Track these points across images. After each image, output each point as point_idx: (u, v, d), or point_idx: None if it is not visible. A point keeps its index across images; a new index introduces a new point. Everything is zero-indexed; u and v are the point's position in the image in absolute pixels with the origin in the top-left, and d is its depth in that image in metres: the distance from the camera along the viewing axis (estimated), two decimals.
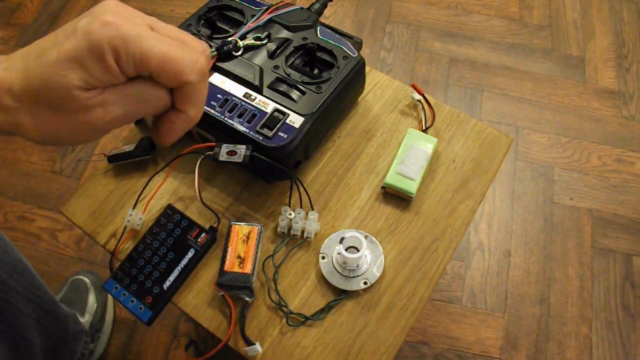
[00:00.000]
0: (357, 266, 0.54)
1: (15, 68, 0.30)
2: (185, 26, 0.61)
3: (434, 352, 1.00)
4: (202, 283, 0.55)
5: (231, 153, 0.52)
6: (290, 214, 0.56)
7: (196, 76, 0.32)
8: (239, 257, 0.54)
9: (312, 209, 0.58)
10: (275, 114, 0.54)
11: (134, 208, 0.58)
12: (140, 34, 0.30)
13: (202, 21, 0.62)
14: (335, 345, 0.52)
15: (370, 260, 0.55)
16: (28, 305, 0.69)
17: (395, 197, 0.60)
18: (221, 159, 0.52)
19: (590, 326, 1.03)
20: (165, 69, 0.31)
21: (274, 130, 0.53)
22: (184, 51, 0.31)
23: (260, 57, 0.59)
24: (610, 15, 1.48)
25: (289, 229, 0.56)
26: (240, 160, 0.52)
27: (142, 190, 0.59)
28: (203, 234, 0.56)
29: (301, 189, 0.57)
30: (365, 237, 0.55)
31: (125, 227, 0.58)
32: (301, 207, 0.57)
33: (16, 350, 0.68)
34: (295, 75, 0.57)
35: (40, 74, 0.30)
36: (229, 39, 0.59)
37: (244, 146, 0.53)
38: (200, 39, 0.60)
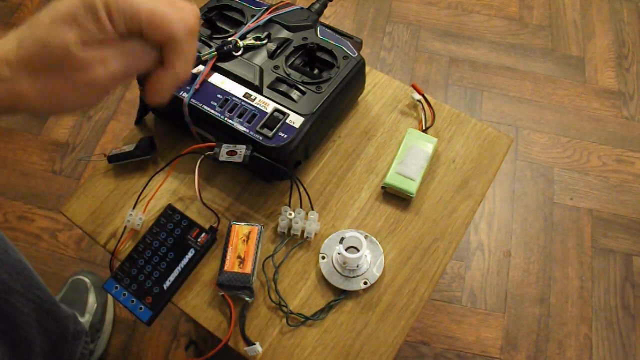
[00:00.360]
0: (357, 266, 0.54)
1: (8, 40, 0.31)
2: None
3: (434, 352, 1.00)
4: (202, 283, 0.55)
5: (231, 153, 0.52)
6: (290, 214, 0.56)
7: (183, 32, 0.33)
8: (239, 257, 0.54)
9: (312, 209, 0.58)
10: (275, 114, 0.54)
11: (134, 208, 0.58)
12: None
13: (202, 21, 0.62)
14: (335, 345, 0.52)
15: (370, 260, 0.55)
16: (28, 305, 0.69)
17: (395, 197, 0.60)
18: (221, 159, 0.52)
19: (590, 326, 1.03)
20: (153, 23, 0.32)
21: (274, 130, 0.53)
22: (172, 8, 0.33)
23: (260, 57, 0.59)
24: (610, 15, 1.48)
25: (289, 229, 0.56)
26: (240, 160, 0.52)
27: (142, 190, 0.59)
28: (203, 234, 0.56)
29: (301, 189, 0.57)
30: (365, 237, 0.55)
31: (125, 227, 0.58)
32: (301, 207, 0.57)
33: (16, 350, 0.68)
34: (295, 75, 0.57)
35: (36, 38, 0.31)
36: (229, 39, 0.59)
37: (244, 146, 0.53)
38: (201, 39, 0.60)
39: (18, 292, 0.66)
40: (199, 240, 0.55)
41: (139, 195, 0.59)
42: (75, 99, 0.33)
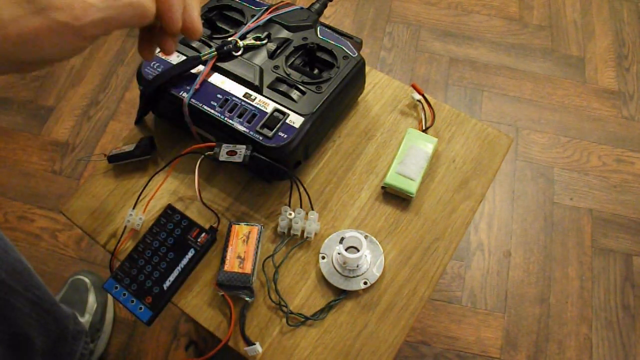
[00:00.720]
0: (357, 266, 0.54)
1: None
2: None
3: (434, 352, 1.00)
4: (202, 283, 0.55)
5: (231, 153, 0.52)
6: (290, 214, 0.56)
7: None
8: (239, 257, 0.54)
9: (312, 209, 0.58)
10: (275, 114, 0.54)
11: (134, 208, 0.58)
12: None
13: (202, 21, 0.62)
14: (335, 345, 0.52)
15: (370, 260, 0.55)
16: (27, 305, 0.69)
17: (395, 197, 0.60)
18: (221, 159, 0.52)
19: (590, 326, 1.03)
20: None
21: (274, 130, 0.53)
22: None
23: (260, 57, 0.59)
24: (610, 15, 1.48)
25: (289, 229, 0.56)
26: (240, 160, 0.52)
27: (142, 190, 0.59)
28: (203, 234, 0.56)
29: (301, 189, 0.57)
30: (365, 237, 0.55)
31: (125, 227, 0.58)
32: (301, 207, 0.57)
33: (16, 350, 0.68)
34: (295, 75, 0.57)
35: None
36: (229, 39, 0.59)
37: (244, 146, 0.53)
38: (201, 39, 0.60)
39: (17, 291, 0.66)
40: (199, 240, 0.55)
41: (139, 195, 0.59)
42: (54, 42, 0.32)
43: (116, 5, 0.33)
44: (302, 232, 0.56)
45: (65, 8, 0.31)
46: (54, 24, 0.31)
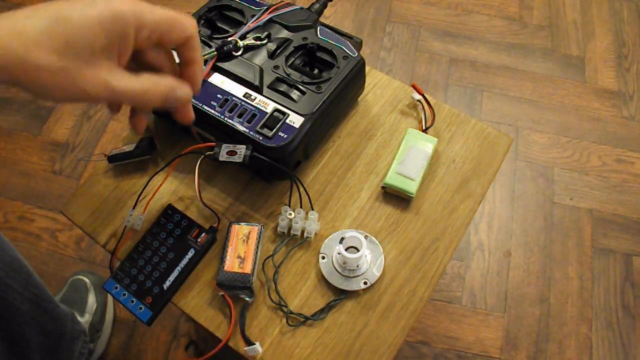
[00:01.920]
0: (357, 266, 0.54)
1: (37, 15, 0.34)
2: None
3: (434, 352, 1.00)
4: (202, 283, 0.55)
5: (231, 153, 0.52)
6: (290, 214, 0.56)
7: (194, 28, 0.40)
8: (239, 257, 0.54)
9: (312, 209, 0.58)
10: (275, 114, 0.54)
11: (134, 208, 0.58)
12: (147, 7, 0.37)
13: (202, 21, 0.62)
14: (335, 345, 0.52)
15: (370, 260, 0.55)
16: (25, 303, 0.69)
17: (395, 197, 0.60)
18: (221, 159, 0.52)
19: (590, 326, 1.03)
20: (174, 27, 0.38)
21: (274, 130, 0.53)
22: (177, 13, 0.39)
23: (260, 57, 0.59)
24: (610, 15, 1.48)
25: (289, 229, 0.56)
26: (240, 160, 0.52)
27: (142, 190, 0.59)
28: (203, 234, 0.56)
29: (301, 189, 0.57)
30: (365, 237, 0.55)
31: (125, 227, 0.58)
32: (301, 207, 0.57)
33: (13, 348, 0.68)
34: (295, 75, 0.57)
35: (66, 32, 0.33)
36: (229, 39, 0.59)
37: (244, 146, 0.53)
38: (201, 39, 0.60)
39: (15, 290, 0.66)
40: (199, 240, 0.55)
41: (139, 195, 0.59)
42: (65, 89, 0.35)
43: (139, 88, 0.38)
44: (302, 232, 0.56)
45: (96, 66, 0.35)
46: (77, 76, 0.35)
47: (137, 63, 0.40)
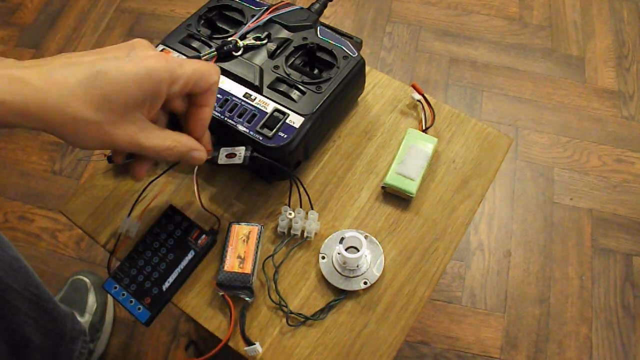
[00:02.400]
0: (357, 266, 0.54)
1: (76, 69, 0.35)
2: (185, 26, 0.61)
3: (434, 352, 1.00)
4: (202, 283, 0.55)
5: (230, 155, 0.52)
6: (290, 214, 0.56)
7: (219, 77, 0.44)
8: (239, 257, 0.54)
9: (312, 209, 0.58)
10: (275, 114, 0.54)
11: (129, 215, 0.58)
12: (177, 62, 0.39)
13: (202, 21, 0.62)
14: (335, 345, 0.52)
15: (370, 260, 0.55)
16: (25, 303, 0.69)
17: (395, 197, 0.60)
18: (220, 162, 0.52)
19: (590, 326, 1.03)
20: (202, 79, 0.41)
21: (274, 130, 0.53)
22: (202, 64, 0.42)
23: (260, 57, 0.59)
24: (610, 15, 1.48)
25: (289, 229, 0.56)
26: (240, 161, 0.51)
27: (142, 191, 0.59)
28: (203, 236, 0.56)
29: (301, 189, 0.57)
30: (365, 237, 0.55)
31: (120, 234, 0.57)
32: (301, 207, 0.57)
33: (14, 348, 0.68)
34: (295, 75, 0.57)
35: (103, 87, 0.35)
36: (229, 39, 0.59)
37: (243, 147, 0.52)
38: (201, 39, 0.60)
39: (15, 289, 0.66)
40: (199, 242, 0.55)
41: (139, 196, 0.59)
42: (99, 139, 0.37)
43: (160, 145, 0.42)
44: (302, 232, 0.56)
45: (124, 122, 0.38)
46: (104, 126, 0.37)
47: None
